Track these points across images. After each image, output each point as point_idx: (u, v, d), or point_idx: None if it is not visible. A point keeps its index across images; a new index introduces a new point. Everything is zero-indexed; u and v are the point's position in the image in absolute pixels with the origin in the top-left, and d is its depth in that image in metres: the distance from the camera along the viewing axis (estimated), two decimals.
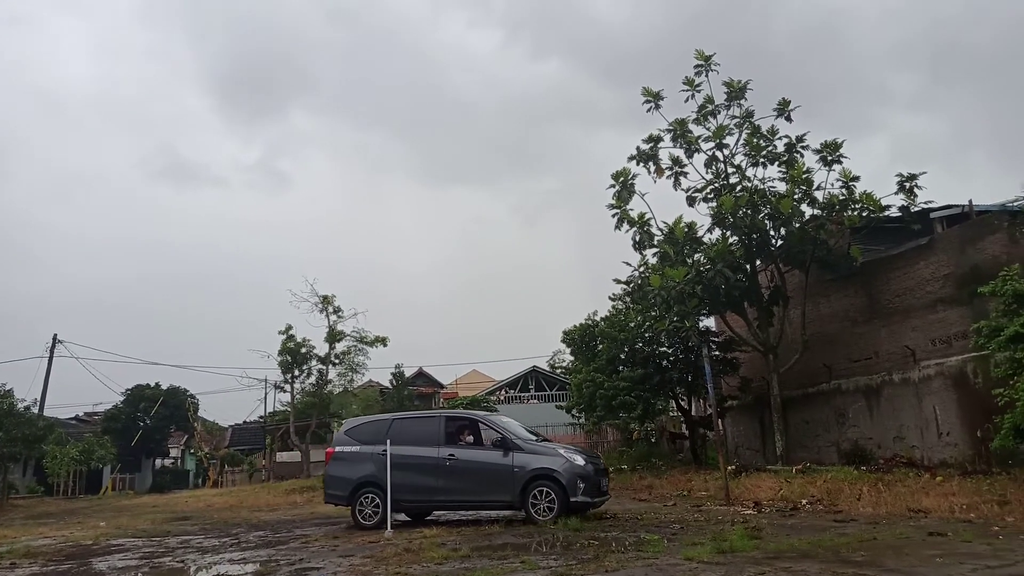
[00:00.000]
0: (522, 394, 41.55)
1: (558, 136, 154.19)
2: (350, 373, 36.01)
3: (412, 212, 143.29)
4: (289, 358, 34.50)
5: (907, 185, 16.32)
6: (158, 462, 53.37)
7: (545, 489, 10.91)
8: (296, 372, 35.08)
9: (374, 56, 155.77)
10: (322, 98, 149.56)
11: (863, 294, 18.23)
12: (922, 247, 16.75)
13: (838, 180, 16.96)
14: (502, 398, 39.86)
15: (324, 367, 35.33)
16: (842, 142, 17.05)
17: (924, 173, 16.29)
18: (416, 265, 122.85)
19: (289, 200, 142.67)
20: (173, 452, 56.56)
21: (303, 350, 34.83)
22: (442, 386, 49.83)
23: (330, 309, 34.59)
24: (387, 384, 41.79)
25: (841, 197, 16.76)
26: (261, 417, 44.34)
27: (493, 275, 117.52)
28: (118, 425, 47.20)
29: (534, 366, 42.79)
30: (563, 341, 25.34)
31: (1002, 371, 11.50)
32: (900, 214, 16.77)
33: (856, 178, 16.76)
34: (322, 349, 35.21)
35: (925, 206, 16.51)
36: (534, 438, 12.21)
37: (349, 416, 37.11)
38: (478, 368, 49.39)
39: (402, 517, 12.63)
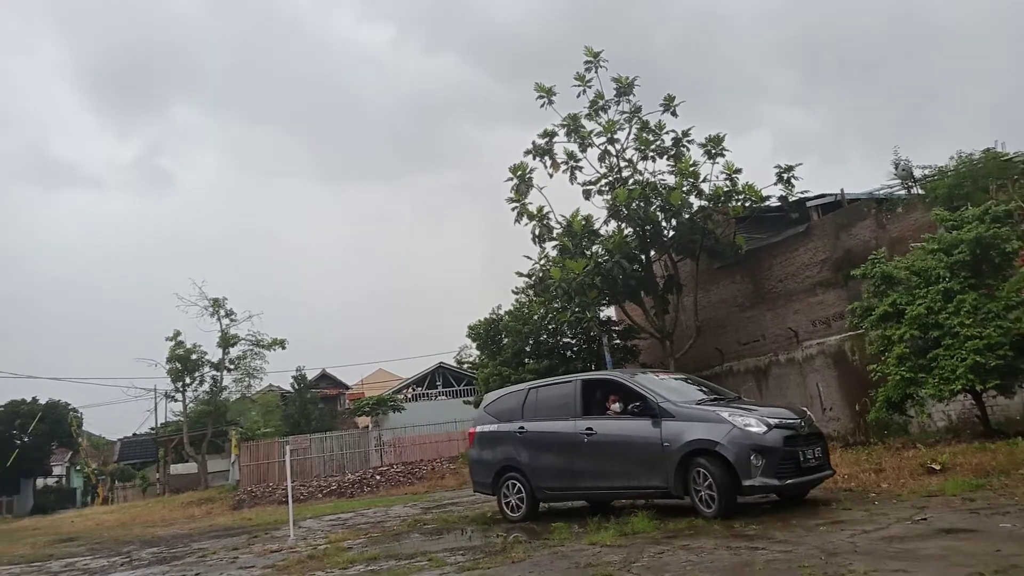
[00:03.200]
0: (429, 391, 41.30)
1: (457, 131, 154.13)
2: (247, 378, 34.98)
3: (308, 211, 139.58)
4: (179, 365, 33.10)
5: (785, 176, 17.12)
6: (40, 482, 49.98)
7: (702, 470, 8.03)
8: (188, 380, 33.71)
9: (260, 49, 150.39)
10: (206, 93, 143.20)
11: (749, 280, 19.20)
12: (800, 234, 17.80)
13: (722, 172, 17.64)
14: (409, 396, 39.49)
15: (218, 373, 34.14)
16: (724, 136, 17.70)
17: (801, 164, 17.18)
18: (315, 265, 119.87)
19: (173, 200, 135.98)
20: (57, 470, 53.03)
21: (194, 356, 33.49)
22: (347, 387, 48.86)
23: (221, 312, 33.44)
24: (289, 388, 40.64)
25: (725, 188, 17.46)
26: (152, 429, 42.12)
27: (396, 273, 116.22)
28: None
29: (440, 363, 42.61)
30: (468, 336, 25.44)
31: (875, 348, 12.38)
32: (780, 203, 17.69)
33: (739, 170, 17.50)
34: (215, 355, 33.99)
35: (802, 196, 17.49)
36: (699, 399, 9.19)
37: (248, 423, 35.94)
38: (384, 367, 48.71)
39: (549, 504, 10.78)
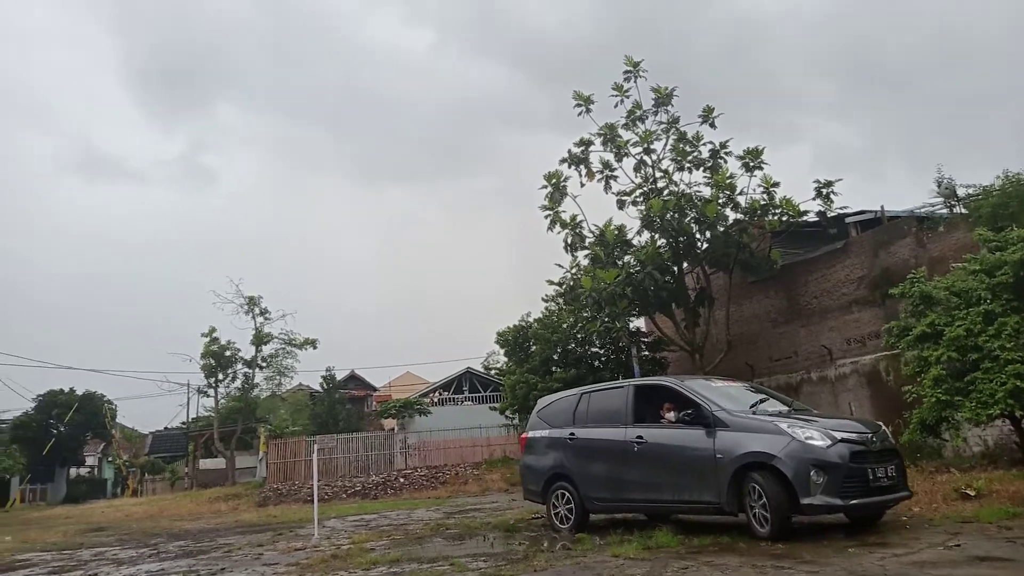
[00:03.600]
0: (456, 396, 41.43)
1: (494, 136, 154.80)
2: (278, 376, 35.40)
3: (344, 211, 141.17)
4: (213, 361, 33.59)
5: (824, 191, 16.90)
6: (73, 471, 51.08)
7: (756, 486, 7.46)
8: (220, 376, 34.19)
9: (304, 50, 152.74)
10: (249, 93, 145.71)
11: (783, 296, 18.94)
12: (838, 251, 17.51)
13: (760, 186, 17.45)
14: (436, 400, 39.65)
15: (250, 370, 34.55)
16: (763, 149, 17.53)
17: (840, 180, 16.87)
18: (349, 265, 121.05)
19: (213, 197, 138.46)
20: (89, 460, 54.22)
21: (228, 353, 33.96)
22: (375, 389, 49.24)
23: (256, 311, 33.89)
24: (318, 387, 41.11)
25: (762, 202, 17.26)
26: (183, 423, 42.89)
27: (428, 276, 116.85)
28: (28, 433, 45.07)
29: (468, 367, 42.72)
30: (497, 342, 25.55)
31: (910, 369, 12.09)
32: (818, 219, 17.43)
33: (776, 184, 17.29)
34: (248, 352, 34.44)
35: (841, 211, 17.22)
36: (754, 407, 8.44)
37: (277, 421, 36.39)
38: (412, 370, 48.95)
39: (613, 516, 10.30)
